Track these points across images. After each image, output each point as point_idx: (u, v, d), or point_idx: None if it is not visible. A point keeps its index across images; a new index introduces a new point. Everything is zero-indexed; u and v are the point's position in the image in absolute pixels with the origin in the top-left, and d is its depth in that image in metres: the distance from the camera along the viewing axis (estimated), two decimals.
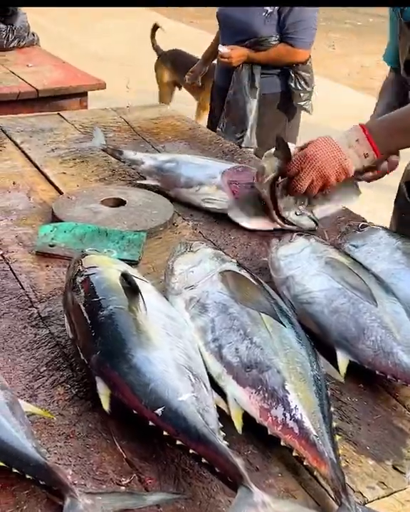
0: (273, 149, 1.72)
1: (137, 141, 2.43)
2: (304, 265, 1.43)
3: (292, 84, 3.49)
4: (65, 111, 2.75)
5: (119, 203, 1.84)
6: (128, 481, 1.03)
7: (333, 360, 1.24)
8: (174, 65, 5.06)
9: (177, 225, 1.82)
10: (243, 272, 1.34)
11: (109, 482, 1.02)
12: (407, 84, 1.91)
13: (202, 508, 0.99)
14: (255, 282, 1.31)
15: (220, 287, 1.29)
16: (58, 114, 2.67)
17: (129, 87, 7.73)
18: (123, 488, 1.01)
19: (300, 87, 3.49)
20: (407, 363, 1.19)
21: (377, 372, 1.21)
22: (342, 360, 1.24)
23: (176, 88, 5.23)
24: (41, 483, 0.96)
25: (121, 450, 1.08)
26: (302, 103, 3.56)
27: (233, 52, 3.38)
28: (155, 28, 5.20)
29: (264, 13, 3.26)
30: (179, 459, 1.06)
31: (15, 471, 0.97)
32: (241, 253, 1.70)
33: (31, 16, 4.45)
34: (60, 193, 1.95)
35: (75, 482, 1.01)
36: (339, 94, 7.36)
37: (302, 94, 3.52)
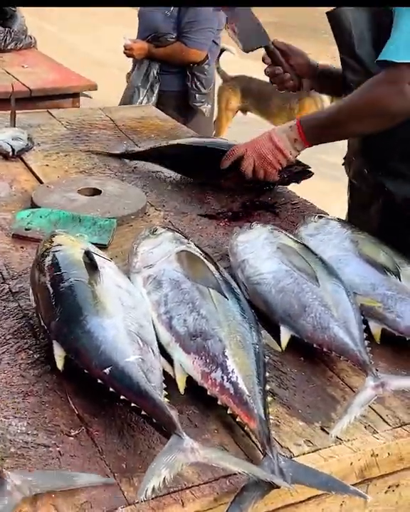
0: None
1: (121, 138, 2.54)
2: (257, 250, 1.54)
3: (189, 84, 3.71)
4: (54, 109, 2.85)
5: (95, 192, 1.95)
6: (77, 432, 1.13)
7: (278, 335, 1.35)
8: (245, 91, 5.11)
9: (149, 215, 1.93)
10: (198, 253, 1.45)
11: (60, 433, 1.13)
12: None
13: (142, 457, 1.10)
14: (207, 262, 1.42)
15: (175, 266, 1.39)
16: (47, 111, 2.78)
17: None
18: (71, 438, 1.12)
19: (195, 88, 3.71)
20: (341, 337, 1.30)
21: (315, 345, 1.32)
22: (285, 334, 1.35)
23: (240, 113, 5.32)
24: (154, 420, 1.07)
25: (73, 406, 1.18)
26: (197, 104, 3.79)
27: (134, 45, 3.71)
28: (221, 51, 4.96)
29: (166, 11, 3.53)
30: (125, 415, 1.17)
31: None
32: (206, 241, 1.81)
33: (34, 21, 4.58)
34: (41, 183, 2.07)
35: (29, 432, 1.12)
36: None
37: (197, 96, 3.77)
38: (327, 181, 3.96)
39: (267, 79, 2.21)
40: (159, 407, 1.07)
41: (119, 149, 2.40)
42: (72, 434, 1.13)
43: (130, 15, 10.04)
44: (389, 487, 1.22)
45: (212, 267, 1.40)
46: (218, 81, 5.09)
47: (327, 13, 1.89)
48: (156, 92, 3.75)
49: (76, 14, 10.49)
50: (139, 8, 3.83)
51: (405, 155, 1.83)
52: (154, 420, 1.07)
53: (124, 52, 3.74)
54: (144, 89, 3.72)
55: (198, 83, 3.74)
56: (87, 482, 1.02)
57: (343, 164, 2.10)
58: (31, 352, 1.32)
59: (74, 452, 1.09)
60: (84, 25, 10.29)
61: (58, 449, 1.10)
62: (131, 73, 4.00)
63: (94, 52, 8.97)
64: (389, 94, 1.71)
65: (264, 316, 1.40)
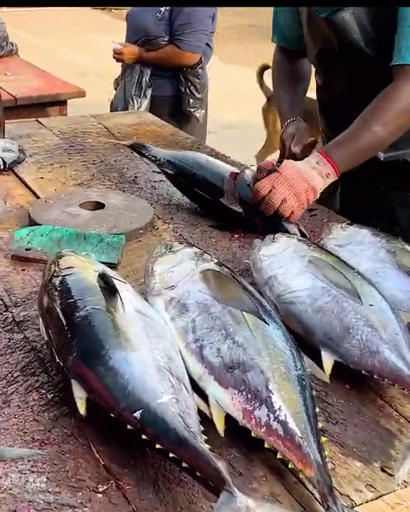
0: None
1: (117, 147, 2.39)
2: (286, 265, 1.39)
3: (182, 89, 3.56)
4: (43, 118, 2.70)
5: (98, 206, 1.80)
6: (105, 487, 0.98)
7: (318, 361, 1.20)
8: None
9: (157, 228, 1.79)
10: (225, 271, 1.30)
11: (86, 489, 0.97)
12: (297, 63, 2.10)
13: None
14: (236, 281, 1.27)
15: (201, 287, 1.25)
16: (36, 120, 2.63)
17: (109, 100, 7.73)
18: (100, 495, 0.97)
19: (189, 92, 3.57)
20: (394, 362, 1.15)
21: (363, 371, 1.18)
22: (327, 360, 1.20)
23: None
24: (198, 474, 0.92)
25: (98, 456, 1.03)
26: (191, 109, 3.65)
27: (124, 49, 3.55)
28: (263, 68, 4.61)
29: (157, 14, 3.39)
30: (159, 463, 1.02)
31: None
32: (223, 255, 1.66)
33: (12, 31, 4.42)
34: (38, 197, 1.91)
35: (50, 490, 0.97)
36: None
37: (191, 101, 3.62)
38: None
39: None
40: (203, 458, 0.92)
41: (116, 158, 2.26)
42: (100, 489, 0.97)
43: (109, 22, 9.93)
44: None
45: (242, 287, 1.25)
46: (259, 99, 4.81)
47: (327, 18, 1.81)
48: (148, 97, 3.60)
49: (52, 21, 10.35)
50: (127, 11, 3.68)
51: None
52: (198, 473, 0.92)
53: (114, 57, 3.58)
54: (136, 95, 3.57)
55: (192, 88, 3.59)
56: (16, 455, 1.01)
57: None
58: (44, 391, 1.16)
59: None
60: (61, 32, 10.13)
61: (85, 509, 0.94)
62: (119, 79, 3.85)
63: (72, 59, 8.82)
64: None
65: (300, 339, 1.25)
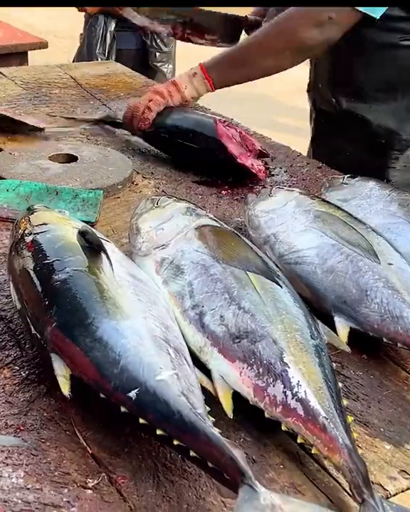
0: None
1: (86, 98, 2.19)
2: (288, 221, 1.23)
3: (148, 42, 3.39)
4: (4, 67, 2.47)
5: (71, 159, 1.62)
6: (96, 482, 0.82)
7: (331, 328, 1.05)
8: None
9: (137, 184, 1.61)
10: (224, 227, 1.14)
11: (72, 484, 0.81)
12: None
13: None
14: (238, 237, 1.11)
15: (197, 245, 1.08)
16: None
17: (70, 61, 7.41)
18: (90, 491, 0.81)
19: (155, 45, 3.40)
20: None
21: (384, 339, 1.03)
22: (342, 327, 1.06)
23: None
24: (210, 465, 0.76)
25: (85, 443, 0.87)
26: (158, 64, 3.48)
27: None
28: None
29: None
30: (158, 451, 0.86)
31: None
32: (212, 213, 1.49)
33: None
34: (1, 150, 1.71)
35: (29, 486, 0.81)
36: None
37: (157, 54, 3.43)
38: None
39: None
40: (216, 445, 0.76)
41: (86, 110, 2.06)
42: (90, 484, 0.82)
43: None
44: None
45: (246, 244, 1.09)
46: None
47: None
48: (113, 50, 3.39)
49: None
50: None
51: (383, 82, 1.67)
52: (210, 464, 0.77)
53: (76, 6, 3.35)
54: (101, 52, 3.35)
55: (158, 40, 3.39)
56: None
57: (307, 91, 1.95)
58: (17, 368, 0.99)
59: None
60: None
61: (73, 509, 0.79)
62: (84, 33, 3.62)
63: (28, 19, 8.43)
64: (304, 24, 1.58)
65: (307, 304, 1.09)
